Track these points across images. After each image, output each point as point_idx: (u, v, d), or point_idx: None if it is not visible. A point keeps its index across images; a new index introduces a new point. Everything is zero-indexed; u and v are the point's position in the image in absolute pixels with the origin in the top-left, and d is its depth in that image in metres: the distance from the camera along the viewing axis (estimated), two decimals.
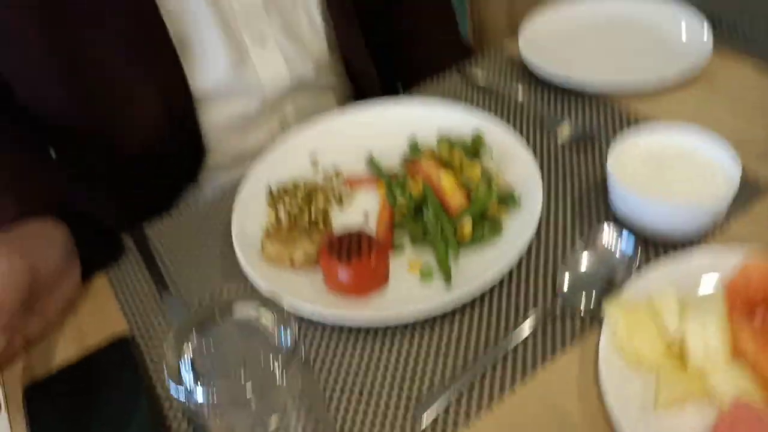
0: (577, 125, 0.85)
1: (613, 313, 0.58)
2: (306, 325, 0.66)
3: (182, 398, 0.41)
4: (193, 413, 0.42)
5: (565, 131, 0.84)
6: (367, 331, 0.65)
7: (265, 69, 0.89)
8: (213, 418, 0.42)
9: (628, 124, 0.84)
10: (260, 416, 0.43)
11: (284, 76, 0.91)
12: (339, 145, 0.86)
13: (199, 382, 0.41)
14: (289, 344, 0.42)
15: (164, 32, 0.78)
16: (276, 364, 0.41)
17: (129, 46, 0.78)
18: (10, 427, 0.62)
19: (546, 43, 0.98)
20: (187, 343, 0.44)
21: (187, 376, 0.41)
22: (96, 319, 0.71)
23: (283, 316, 0.42)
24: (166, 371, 0.42)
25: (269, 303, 0.43)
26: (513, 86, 0.93)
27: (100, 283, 0.75)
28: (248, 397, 0.40)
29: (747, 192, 0.70)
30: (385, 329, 0.65)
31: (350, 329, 0.65)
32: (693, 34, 0.94)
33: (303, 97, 0.97)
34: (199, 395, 0.40)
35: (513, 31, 1.02)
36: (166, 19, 0.77)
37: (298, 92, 0.95)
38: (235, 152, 0.94)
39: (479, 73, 0.98)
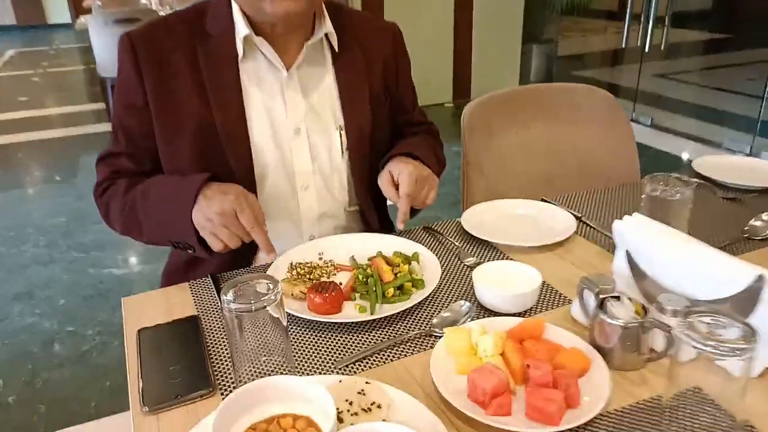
0: (480, 258, 1.43)
1: (449, 332, 1.10)
2: (297, 321, 1.21)
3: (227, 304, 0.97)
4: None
5: (470, 260, 1.42)
6: (330, 327, 1.19)
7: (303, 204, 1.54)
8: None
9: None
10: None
11: (315, 209, 1.56)
12: (338, 249, 1.47)
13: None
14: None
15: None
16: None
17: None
18: (127, 354, 1.17)
19: (481, 220, 1.60)
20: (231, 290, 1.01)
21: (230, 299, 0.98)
22: (181, 307, 1.28)
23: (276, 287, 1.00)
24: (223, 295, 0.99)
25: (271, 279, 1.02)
26: (451, 237, 1.54)
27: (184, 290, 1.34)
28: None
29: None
30: (340, 326, 1.18)
31: (319, 326, 1.19)
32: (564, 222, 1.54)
33: (326, 223, 1.61)
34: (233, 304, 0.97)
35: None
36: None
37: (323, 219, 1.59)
38: None
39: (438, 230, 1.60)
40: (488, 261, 1.42)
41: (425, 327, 1.19)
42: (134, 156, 1.38)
